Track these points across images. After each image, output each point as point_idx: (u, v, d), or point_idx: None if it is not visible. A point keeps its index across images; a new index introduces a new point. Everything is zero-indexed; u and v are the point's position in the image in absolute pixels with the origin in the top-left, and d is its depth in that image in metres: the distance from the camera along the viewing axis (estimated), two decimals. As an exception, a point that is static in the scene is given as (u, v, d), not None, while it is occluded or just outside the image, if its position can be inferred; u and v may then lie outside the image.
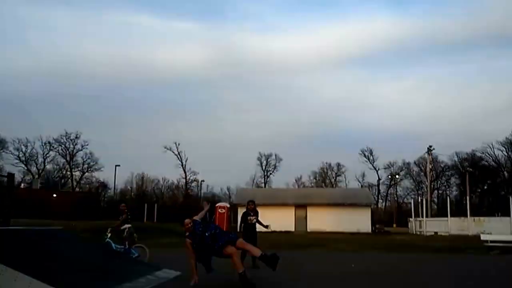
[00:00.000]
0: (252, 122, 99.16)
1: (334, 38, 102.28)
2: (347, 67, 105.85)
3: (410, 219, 44.46)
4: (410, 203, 51.72)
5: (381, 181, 79.18)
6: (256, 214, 12.15)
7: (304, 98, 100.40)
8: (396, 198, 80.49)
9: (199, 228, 8.58)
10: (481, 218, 38.66)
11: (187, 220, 8.69)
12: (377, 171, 78.71)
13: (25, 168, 69.70)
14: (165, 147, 73.32)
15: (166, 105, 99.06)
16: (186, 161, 74.72)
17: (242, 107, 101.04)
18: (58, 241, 9.52)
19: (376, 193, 76.55)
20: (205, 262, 8.66)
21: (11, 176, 12.73)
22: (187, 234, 8.67)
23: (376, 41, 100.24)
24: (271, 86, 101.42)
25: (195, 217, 8.81)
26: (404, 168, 77.81)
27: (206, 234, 8.44)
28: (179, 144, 73.95)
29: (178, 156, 74.06)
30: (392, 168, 78.05)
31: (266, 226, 12.19)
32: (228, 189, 77.94)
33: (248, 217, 12.03)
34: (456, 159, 72.20)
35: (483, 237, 21.51)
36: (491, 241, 20.40)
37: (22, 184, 62.44)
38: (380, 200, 79.24)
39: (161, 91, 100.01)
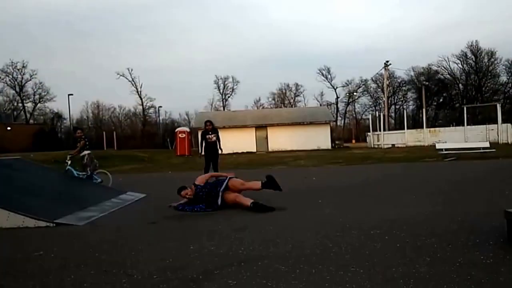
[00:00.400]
0: (206, 45, 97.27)
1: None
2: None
3: (368, 133, 46.15)
4: (368, 119, 53.39)
5: (339, 99, 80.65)
6: (216, 132, 12.35)
7: (258, 19, 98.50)
8: (354, 115, 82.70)
9: (200, 191, 7.74)
10: (437, 129, 40.65)
11: (184, 192, 7.78)
12: (335, 90, 79.87)
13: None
14: (117, 73, 71.39)
15: (117, 29, 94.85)
16: (141, 87, 73.31)
17: (195, 30, 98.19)
18: (17, 170, 9.47)
19: (335, 111, 78.12)
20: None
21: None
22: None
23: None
24: (224, 7, 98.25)
25: (196, 182, 7.92)
26: (361, 85, 79.12)
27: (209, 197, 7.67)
28: (132, 70, 72.21)
29: (132, 82, 72.50)
30: (349, 85, 79.31)
31: (220, 149, 12.39)
32: (187, 114, 77.87)
33: (207, 135, 12.25)
34: (412, 73, 73.80)
35: (438, 146, 22.59)
36: (446, 149, 21.37)
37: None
38: (339, 118, 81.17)
39: (111, 15, 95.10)
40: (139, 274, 3.98)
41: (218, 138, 12.29)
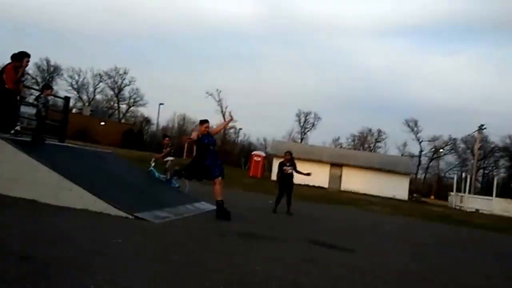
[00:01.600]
0: (295, 79, 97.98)
1: (390, 5, 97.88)
2: (400, 35, 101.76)
3: (451, 193, 43.55)
4: (452, 178, 50.70)
5: (423, 153, 77.60)
6: (293, 165, 12.36)
7: (351, 61, 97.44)
8: (437, 172, 79.10)
9: (205, 140, 8.61)
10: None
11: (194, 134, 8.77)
12: (420, 143, 76.99)
13: (77, 95, 73.18)
14: (207, 93, 73.99)
15: (212, 52, 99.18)
16: (226, 108, 75.45)
17: (287, 63, 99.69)
18: (108, 162, 10.16)
19: (417, 163, 75.26)
20: (188, 174, 9.26)
21: (67, 99, 13.48)
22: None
23: (435, 12, 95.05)
24: (319, 46, 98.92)
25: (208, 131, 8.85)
26: (450, 143, 75.73)
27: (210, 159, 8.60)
28: (220, 92, 74.54)
29: (219, 102, 74.88)
30: (436, 141, 76.16)
31: (308, 174, 12.35)
32: (264, 139, 78.75)
33: (284, 167, 12.30)
34: (508, 141, 69.64)
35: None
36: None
37: (74, 110, 65.19)
38: (420, 171, 78.00)
39: (209, 38, 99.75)
40: (208, 281, 4.08)
41: (296, 170, 12.28)
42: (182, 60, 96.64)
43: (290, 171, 12.21)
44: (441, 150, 76.07)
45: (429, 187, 72.71)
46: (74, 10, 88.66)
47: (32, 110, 9.42)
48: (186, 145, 48.69)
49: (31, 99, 11.87)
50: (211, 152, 8.72)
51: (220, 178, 8.70)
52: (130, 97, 75.96)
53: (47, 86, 9.97)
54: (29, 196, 7.08)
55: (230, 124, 71.86)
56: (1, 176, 7.40)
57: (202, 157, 8.69)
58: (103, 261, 4.23)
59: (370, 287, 4.82)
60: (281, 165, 12.38)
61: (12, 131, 8.23)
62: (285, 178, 12.19)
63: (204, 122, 8.87)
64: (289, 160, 12.37)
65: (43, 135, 9.02)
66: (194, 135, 8.81)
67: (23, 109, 9.44)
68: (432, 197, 61.18)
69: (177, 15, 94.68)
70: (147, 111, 76.00)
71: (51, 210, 6.56)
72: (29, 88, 17.57)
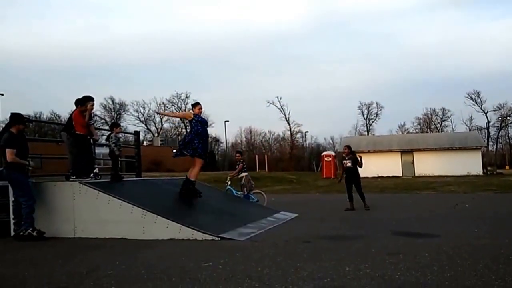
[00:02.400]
0: (350, 72, 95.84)
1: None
2: (448, 8, 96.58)
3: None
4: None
5: (490, 124, 72.75)
6: (352, 159, 11.90)
7: (404, 44, 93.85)
8: (508, 140, 73.81)
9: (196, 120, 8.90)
10: None
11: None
12: (485, 114, 72.28)
13: (145, 127, 75.44)
14: (268, 102, 74.24)
15: (267, 61, 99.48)
16: (289, 114, 75.20)
17: (340, 58, 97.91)
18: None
19: (486, 136, 70.68)
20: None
21: (137, 133, 13.88)
22: None
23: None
24: (369, 35, 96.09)
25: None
26: (516, 108, 70.57)
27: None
28: (281, 98, 74.41)
29: (281, 109, 74.71)
30: (502, 109, 71.10)
31: (359, 160, 11.89)
32: (332, 138, 77.65)
33: (343, 161, 12.08)
34: None
35: None
36: None
37: (145, 142, 67.60)
38: (491, 143, 73.11)
39: (262, 48, 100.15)
40: (300, 291, 3.98)
41: (355, 163, 11.93)
42: (238, 74, 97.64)
43: (349, 164, 11.86)
44: (508, 117, 70.89)
45: (503, 158, 68.00)
46: (127, 45, 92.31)
47: (106, 150, 9.68)
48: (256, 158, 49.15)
49: (103, 139, 12.29)
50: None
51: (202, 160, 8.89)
52: (196, 121, 77.79)
53: (115, 124, 10.18)
54: (117, 235, 7.22)
55: (297, 128, 72.08)
56: (87, 220, 7.55)
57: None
58: (198, 287, 4.22)
59: (459, 272, 4.48)
60: (341, 160, 12.19)
61: (91, 175, 8.42)
62: (347, 171, 11.90)
63: (196, 104, 9.28)
64: (348, 154, 12.04)
65: (120, 173, 9.24)
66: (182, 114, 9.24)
67: (98, 150, 9.66)
68: (507, 167, 57.13)
69: (226, 30, 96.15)
70: (215, 131, 77.25)
71: (139, 245, 6.65)
72: (100, 129, 18.43)
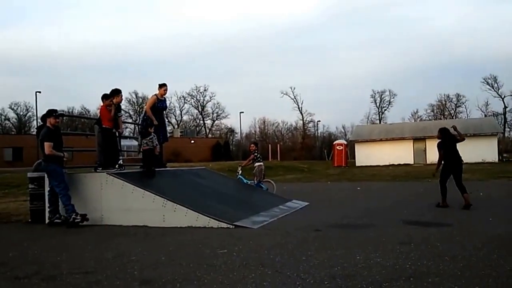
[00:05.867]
0: (363, 59, 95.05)
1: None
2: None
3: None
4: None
5: (507, 109, 71.29)
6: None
7: (416, 28, 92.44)
8: (525, 126, 72.49)
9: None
10: None
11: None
12: (502, 99, 70.61)
13: (167, 120, 76.43)
14: (281, 92, 74.30)
15: (280, 52, 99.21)
16: (302, 104, 75.03)
17: (352, 45, 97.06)
18: (203, 178, 10.52)
19: (503, 122, 69.42)
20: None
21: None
22: None
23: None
24: (380, 21, 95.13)
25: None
26: (534, 92, 68.97)
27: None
28: (294, 89, 74.32)
29: (294, 100, 74.63)
30: (519, 94, 69.73)
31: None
32: (343, 127, 77.49)
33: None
34: None
35: None
36: None
37: (166, 134, 68.27)
38: (507, 129, 71.80)
39: (276, 39, 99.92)
40: (311, 278, 4.07)
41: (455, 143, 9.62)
42: (253, 65, 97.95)
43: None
44: (526, 102, 69.35)
45: (520, 144, 66.83)
46: (148, 40, 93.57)
47: (131, 142, 9.89)
48: (270, 148, 49.37)
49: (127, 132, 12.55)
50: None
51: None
52: (213, 112, 78.76)
53: (150, 125, 9.63)
54: (140, 223, 7.53)
55: (309, 118, 71.91)
56: (113, 209, 7.91)
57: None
58: (214, 273, 4.36)
59: (473, 261, 4.50)
60: (437, 146, 9.69)
61: (117, 166, 8.79)
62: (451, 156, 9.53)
63: (163, 85, 9.58)
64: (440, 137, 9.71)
65: (153, 167, 9.16)
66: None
67: (123, 142, 9.89)
68: (524, 153, 56.17)
69: (240, 23, 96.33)
70: (230, 122, 78.67)
71: (159, 233, 6.89)
72: (125, 122, 18.67)
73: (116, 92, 8.88)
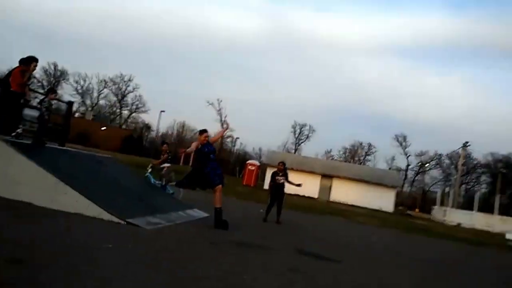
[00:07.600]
0: (293, 91, 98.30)
1: (388, 27, 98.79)
2: (395, 55, 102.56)
3: (434, 207, 43.54)
4: (436, 192, 50.71)
5: (410, 167, 77.90)
6: (285, 175, 12.22)
7: (347, 77, 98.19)
8: (422, 185, 79.26)
9: (205, 149, 8.46)
10: (510, 218, 37.12)
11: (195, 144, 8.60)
12: (407, 157, 77.32)
13: (81, 100, 72.94)
14: (208, 102, 73.94)
15: (216, 63, 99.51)
16: (225, 117, 75.31)
17: (287, 76, 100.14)
18: (106, 166, 10.05)
19: (403, 177, 75.45)
20: (189, 183, 9.02)
21: (70, 103, 13.25)
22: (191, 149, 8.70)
23: (428, 36, 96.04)
24: (317, 60, 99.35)
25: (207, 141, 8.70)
26: (435, 158, 76.06)
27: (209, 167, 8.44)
28: (221, 101, 74.53)
29: (218, 112, 74.82)
30: (423, 156, 76.51)
31: (299, 185, 12.20)
32: (260, 149, 78.82)
33: (276, 177, 12.15)
34: (490, 158, 70.12)
35: (508, 235, 20.90)
36: (516, 240, 19.59)
37: (76, 114, 64.95)
38: (406, 185, 78.07)
39: (213, 50, 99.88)
40: (193, 288, 4.01)
41: (287, 181, 12.14)
42: (186, 69, 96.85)
43: (282, 181, 12.06)
44: (427, 165, 76.53)
45: (414, 200, 72.72)
46: (85, 16, 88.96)
47: (35, 113, 9.32)
48: (182, 156, 48.77)
49: (35, 102, 11.76)
50: (211, 161, 8.62)
51: (220, 186, 8.57)
52: (132, 104, 75.98)
53: (52, 90, 9.99)
54: (26, 199, 6.94)
55: (228, 133, 72.34)
56: (2, 178, 7.25)
57: (203, 166, 8.56)
58: (94, 267, 4.14)
59: None
60: (274, 175, 12.24)
61: (14, 134, 8.16)
62: (277, 187, 12.04)
63: (203, 132, 8.73)
64: (282, 170, 12.22)
65: (44, 138, 8.91)
66: (194, 145, 8.66)
67: (27, 111, 9.31)
68: (417, 210, 61.14)
69: (184, 26, 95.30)
70: (148, 117, 76.04)
71: (45, 213, 6.45)
72: (35, 91, 17.34)
73: (35, 59, 8.39)
